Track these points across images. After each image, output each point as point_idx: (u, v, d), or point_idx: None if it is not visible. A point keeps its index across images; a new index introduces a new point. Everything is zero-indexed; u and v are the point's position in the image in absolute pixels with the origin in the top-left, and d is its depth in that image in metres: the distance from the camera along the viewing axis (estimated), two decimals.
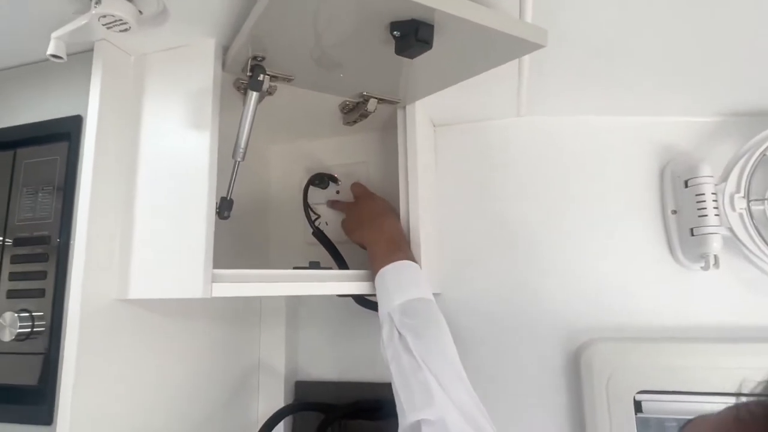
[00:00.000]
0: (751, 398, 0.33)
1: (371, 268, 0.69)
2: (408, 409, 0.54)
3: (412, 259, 0.69)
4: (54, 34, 0.52)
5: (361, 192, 0.86)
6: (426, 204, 0.80)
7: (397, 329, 0.60)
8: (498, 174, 0.89)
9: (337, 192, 0.92)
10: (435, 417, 0.52)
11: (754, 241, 0.71)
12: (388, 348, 0.60)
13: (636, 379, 0.75)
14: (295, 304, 0.95)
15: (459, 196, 0.90)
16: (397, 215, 0.76)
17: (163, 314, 0.67)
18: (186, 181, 0.59)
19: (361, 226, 0.78)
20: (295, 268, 0.68)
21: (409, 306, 0.62)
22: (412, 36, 0.46)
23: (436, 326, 0.61)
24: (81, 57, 0.62)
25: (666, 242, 0.81)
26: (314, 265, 0.69)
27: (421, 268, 0.70)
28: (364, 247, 0.80)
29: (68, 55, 0.57)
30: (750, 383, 0.34)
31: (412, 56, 0.49)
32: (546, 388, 0.81)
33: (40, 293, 0.59)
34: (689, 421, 0.35)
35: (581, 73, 0.74)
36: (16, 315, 0.57)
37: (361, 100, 0.74)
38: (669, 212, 0.80)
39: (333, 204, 0.90)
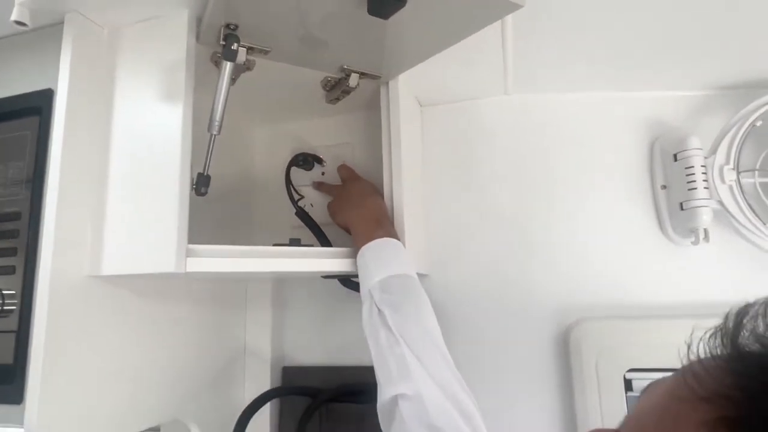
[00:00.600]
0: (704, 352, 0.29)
1: (354, 247, 0.68)
2: (385, 384, 0.53)
3: (394, 236, 0.68)
4: (18, 0, 0.50)
5: (347, 174, 0.85)
6: (412, 184, 0.78)
7: (377, 305, 0.59)
8: (485, 153, 0.88)
9: (323, 174, 0.91)
10: (412, 391, 0.51)
11: (744, 214, 0.70)
12: (367, 325, 0.59)
13: (626, 357, 0.74)
14: (281, 288, 0.94)
15: (446, 177, 0.88)
16: (383, 197, 0.75)
17: (142, 295, 0.66)
18: (159, 154, 0.57)
19: (345, 207, 0.77)
20: (274, 245, 0.66)
21: (389, 282, 0.61)
22: None
23: (415, 301, 0.60)
24: (52, 30, 0.60)
25: (656, 218, 0.79)
26: (294, 242, 0.68)
27: (405, 246, 0.69)
28: (348, 231, 0.79)
29: (39, 28, 0.56)
30: (699, 334, 0.30)
31: (385, 16, 0.48)
32: (535, 368, 0.80)
33: (11, 270, 0.57)
34: (647, 386, 0.33)
35: (568, 47, 0.72)
36: None
37: (343, 75, 0.73)
38: (658, 187, 0.79)
39: (319, 186, 0.89)
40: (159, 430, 0.96)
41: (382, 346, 0.55)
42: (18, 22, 0.51)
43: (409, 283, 0.62)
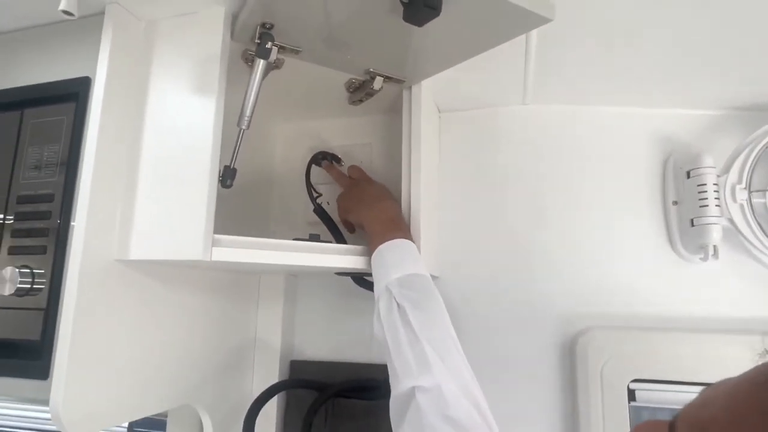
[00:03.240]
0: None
1: (369, 246, 0.70)
2: (403, 375, 0.54)
3: (410, 238, 0.69)
4: None
5: (360, 175, 0.86)
6: (428, 188, 0.80)
7: (396, 301, 0.60)
8: (500, 160, 0.90)
9: None
10: (430, 384, 0.52)
11: (754, 233, 0.71)
12: (385, 320, 0.60)
13: (630, 367, 0.75)
14: (293, 282, 0.96)
15: (461, 182, 0.90)
16: (396, 200, 0.76)
17: (163, 281, 0.68)
18: (190, 146, 0.59)
19: (360, 206, 0.78)
20: (294, 239, 0.68)
21: (408, 280, 0.62)
22: (420, 2, 0.47)
23: (434, 300, 0.62)
24: (91, 20, 0.62)
25: (666, 233, 0.81)
26: (314, 238, 0.70)
27: (420, 251, 0.70)
28: (352, 228, 0.82)
29: (79, 18, 0.58)
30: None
31: (419, 23, 0.50)
32: (540, 374, 0.81)
33: (42, 250, 0.59)
34: (709, 385, 0.34)
35: (588, 61, 0.74)
36: (17, 270, 0.57)
37: (368, 77, 0.75)
38: (670, 203, 0.81)
39: (329, 168, 0.89)
40: (167, 415, 0.98)
41: (401, 340, 0.57)
42: (66, 12, 0.53)
43: (427, 284, 0.64)
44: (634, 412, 0.75)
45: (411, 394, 0.52)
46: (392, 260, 0.65)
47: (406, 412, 0.52)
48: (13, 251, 0.61)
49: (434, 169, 0.88)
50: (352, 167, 0.88)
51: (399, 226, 0.71)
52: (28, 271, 0.58)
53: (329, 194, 0.91)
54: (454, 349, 0.57)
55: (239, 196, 0.83)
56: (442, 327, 0.59)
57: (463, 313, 0.86)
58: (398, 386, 0.55)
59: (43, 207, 0.61)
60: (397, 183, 0.78)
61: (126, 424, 1.53)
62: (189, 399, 0.75)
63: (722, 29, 0.64)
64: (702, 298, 0.79)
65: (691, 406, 0.34)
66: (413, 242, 0.69)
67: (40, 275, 0.59)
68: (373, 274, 0.67)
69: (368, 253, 0.70)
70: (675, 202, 0.80)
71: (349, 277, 0.84)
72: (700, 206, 0.74)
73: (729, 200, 0.73)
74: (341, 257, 0.69)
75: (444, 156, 0.92)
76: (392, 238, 0.67)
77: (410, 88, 0.79)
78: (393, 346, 0.57)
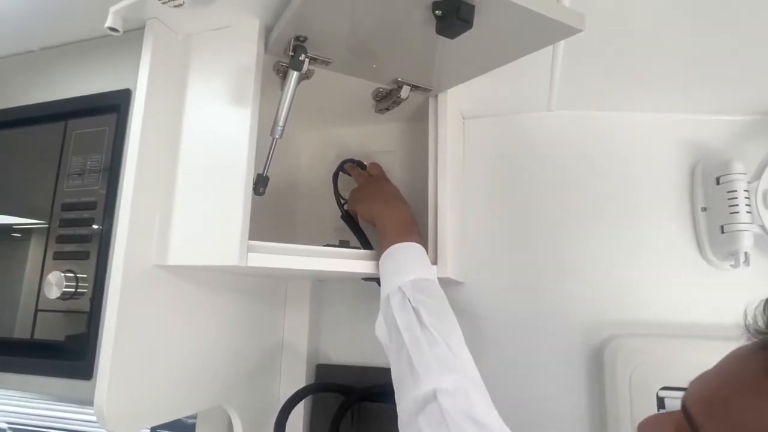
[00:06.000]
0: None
1: (381, 243, 0.70)
2: (424, 376, 0.52)
3: (422, 244, 0.69)
4: (112, 8, 0.55)
5: (378, 173, 0.86)
6: (453, 194, 0.81)
7: (411, 304, 0.60)
8: (525, 167, 0.90)
9: None
10: (454, 386, 0.51)
11: None
12: (400, 318, 0.59)
13: (659, 374, 0.75)
14: (319, 288, 0.97)
15: (485, 188, 0.91)
16: (408, 205, 0.77)
17: (198, 286, 0.70)
18: (226, 155, 0.61)
19: (374, 201, 0.78)
20: (325, 245, 0.69)
21: (421, 284, 0.62)
22: (454, 15, 0.48)
23: (448, 310, 0.62)
24: (131, 35, 0.65)
25: (695, 239, 0.80)
26: (344, 244, 0.71)
27: (445, 257, 0.71)
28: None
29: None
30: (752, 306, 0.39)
31: (452, 36, 0.51)
32: (567, 381, 0.81)
33: (85, 255, 0.62)
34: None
35: (614, 67, 0.74)
36: (62, 274, 0.60)
37: (395, 86, 0.76)
38: (699, 209, 0.80)
39: (350, 168, 0.90)
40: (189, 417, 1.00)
41: (419, 339, 0.56)
42: (111, 29, 0.55)
43: (440, 292, 0.64)
44: None
45: (431, 396, 0.50)
46: (405, 262, 0.65)
47: (422, 413, 0.50)
48: (58, 256, 0.63)
49: (459, 176, 0.89)
50: (372, 164, 0.88)
51: (412, 230, 0.71)
52: (73, 275, 0.61)
53: None
54: (470, 360, 0.57)
55: (268, 204, 0.85)
56: (459, 336, 0.59)
57: (488, 319, 0.86)
58: (417, 387, 0.52)
59: (86, 214, 0.63)
60: (421, 189, 0.79)
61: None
62: (221, 400, 0.77)
63: (750, 34, 0.64)
64: (732, 306, 0.77)
65: (692, 385, 0.42)
66: (425, 248, 0.69)
67: (84, 279, 0.61)
68: (380, 272, 0.67)
69: None
70: (704, 209, 0.80)
71: (375, 283, 0.85)
72: (731, 213, 0.74)
73: (761, 207, 0.72)
74: (370, 263, 0.70)
75: (468, 162, 0.92)
76: (406, 240, 0.67)
77: (436, 96, 0.80)
78: (411, 343, 0.56)
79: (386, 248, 0.68)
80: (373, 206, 0.77)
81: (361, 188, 0.85)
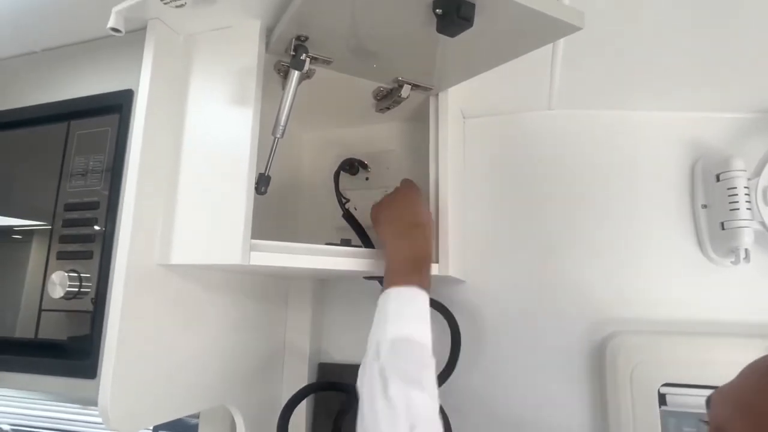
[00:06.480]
0: None
1: (385, 277, 0.65)
2: None
3: (426, 284, 0.63)
4: (115, 9, 0.55)
5: (406, 190, 0.76)
6: (454, 193, 0.81)
7: (378, 369, 0.55)
8: (525, 166, 0.90)
9: (367, 179, 0.94)
10: None
11: None
12: (363, 386, 0.56)
13: (661, 371, 0.75)
14: (320, 287, 0.98)
15: (486, 186, 0.91)
16: (431, 228, 0.72)
17: (201, 285, 0.70)
18: (228, 155, 0.62)
19: (388, 228, 0.71)
20: (327, 244, 0.70)
21: (400, 346, 0.57)
22: (454, 14, 0.48)
23: (426, 368, 0.57)
24: (133, 36, 0.65)
25: (695, 236, 0.81)
26: (345, 242, 0.71)
27: (447, 255, 0.71)
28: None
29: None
30: None
31: (453, 34, 0.51)
32: (569, 377, 0.81)
33: (89, 255, 0.62)
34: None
35: (614, 66, 0.75)
36: (66, 274, 0.60)
37: (396, 86, 0.76)
38: (699, 206, 0.80)
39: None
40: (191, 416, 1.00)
41: (377, 413, 0.52)
42: (113, 29, 0.55)
43: (420, 351, 0.58)
44: (665, 416, 0.74)
45: None
46: (394, 311, 0.60)
47: None
48: (61, 256, 0.64)
49: (460, 175, 0.90)
50: (405, 180, 0.79)
51: (418, 268, 0.65)
52: (76, 275, 0.61)
53: (357, 200, 0.92)
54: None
55: (270, 203, 0.85)
56: (427, 406, 0.54)
57: (489, 317, 0.86)
58: None
59: (88, 214, 0.63)
60: (422, 188, 0.79)
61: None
62: (224, 399, 0.77)
63: (749, 32, 0.64)
64: (733, 302, 0.78)
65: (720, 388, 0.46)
66: (429, 286, 0.64)
67: (87, 279, 0.61)
68: (375, 317, 0.62)
69: None
70: (704, 206, 0.80)
71: (377, 281, 0.85)
72: (731, 209, 0.74)
73: (761, 203, 0.72)
74: (372, 261, 0.71)
75: (469, 160, 0.93)
76: (406, 283, 0.62)
77: (437, 95, 0.80)
78: (368, 415, 0.53)
79: (387, 286, 0.63)
80: (386, 233, 0.70)
81: (380, 207, 0.75)
